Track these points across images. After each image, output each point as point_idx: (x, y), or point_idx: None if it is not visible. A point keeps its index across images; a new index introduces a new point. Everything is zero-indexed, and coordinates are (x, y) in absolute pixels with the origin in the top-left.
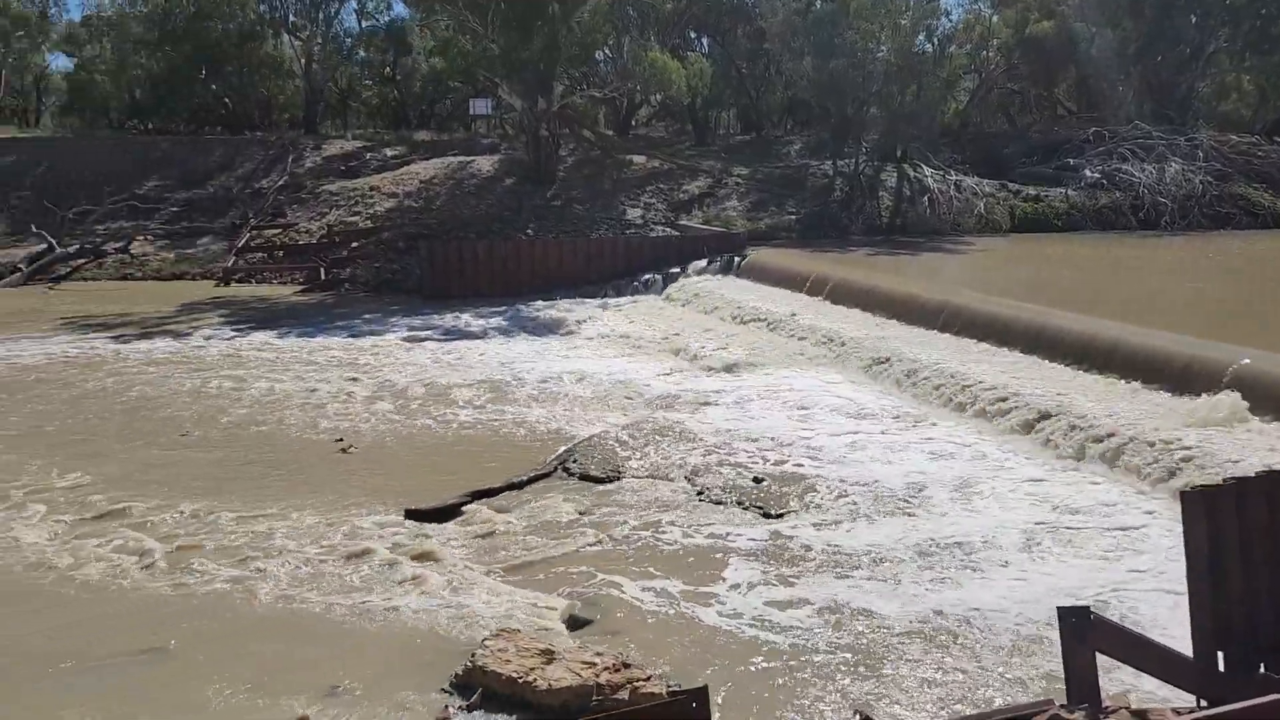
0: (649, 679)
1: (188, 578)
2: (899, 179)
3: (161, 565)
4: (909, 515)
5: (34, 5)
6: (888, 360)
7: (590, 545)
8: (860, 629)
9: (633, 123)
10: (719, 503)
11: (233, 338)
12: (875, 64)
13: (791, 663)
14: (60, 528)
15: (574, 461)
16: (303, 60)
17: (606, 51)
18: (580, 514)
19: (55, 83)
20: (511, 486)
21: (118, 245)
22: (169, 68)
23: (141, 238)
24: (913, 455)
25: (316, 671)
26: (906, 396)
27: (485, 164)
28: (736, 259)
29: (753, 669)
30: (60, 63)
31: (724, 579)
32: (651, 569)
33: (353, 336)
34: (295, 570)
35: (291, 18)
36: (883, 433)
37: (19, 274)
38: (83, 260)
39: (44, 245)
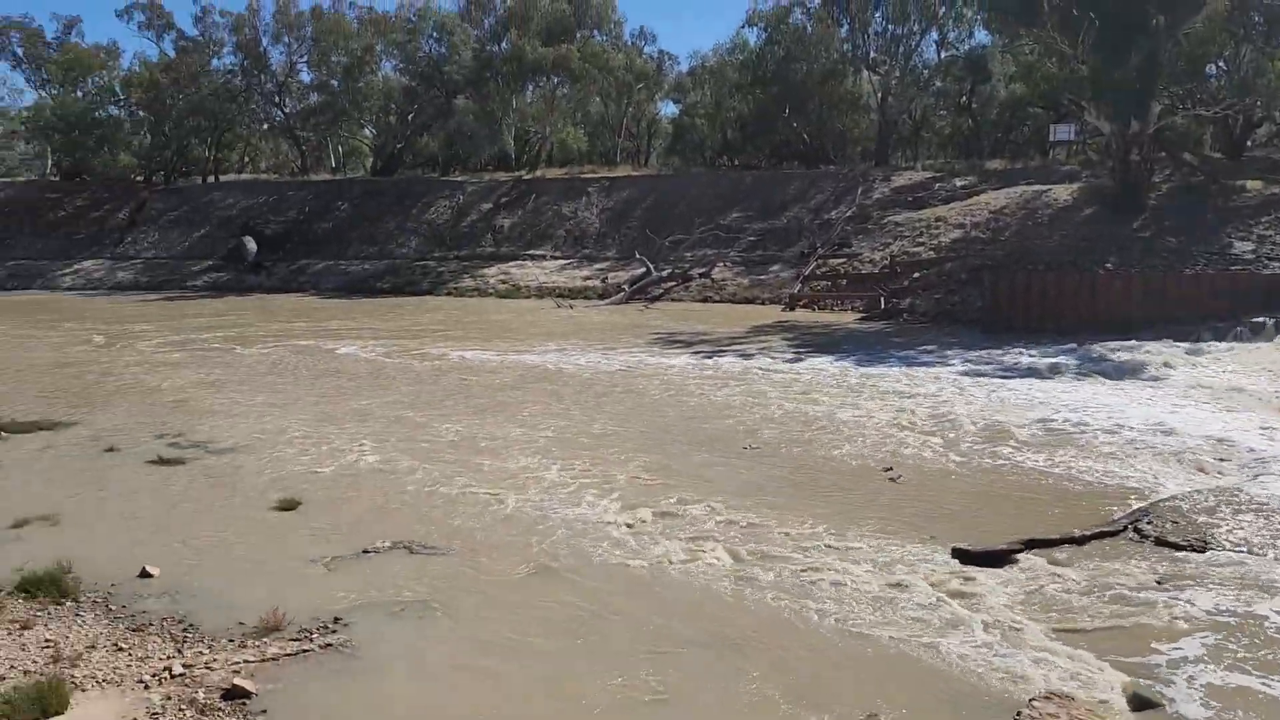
0: None
1: (746, 582)
2: None
3: (724, 568)
4: None
5: (652, 61)
6: None
7: (1165, 619)
8: None
9: (1247, 143)
10: None
11: (793, 360)
12: None
13: None
14: (633, 519)
15: (1149, 523)
16: (879, 94)
17: (1220, 64)
18: (1156, 582)
19: (662, 127)
20: (1071, 540)
21: (702, 270)
22: (757, 108)
23: (722, 264)
24: None
25: (854, 695)
26: None
27: (1062, 193)
28: None
29: None
30: (668, 109)
31: None
32: (1246, 662)
33: (908, 366)
34: (840, 591)
35: (872, 54)
36: None
37: (622, 293)
38: (673, 283)
39: (643, 269)
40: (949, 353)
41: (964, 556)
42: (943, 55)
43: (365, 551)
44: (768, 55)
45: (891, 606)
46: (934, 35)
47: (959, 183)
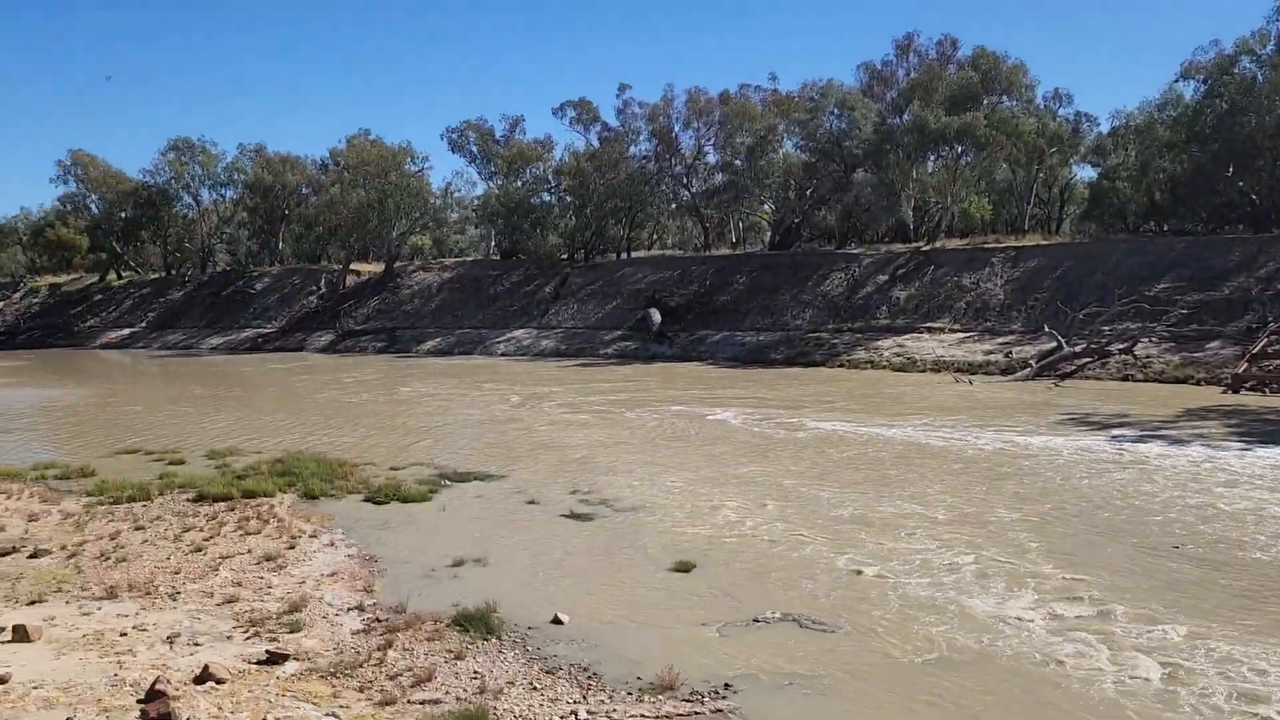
0: None
1: (1180, 706)
2: None
3: (1149, 684)
4: None
5: (1067, 123)
6: None
7: None
8: None
9: None
10: None
11: (1237, 450)
12: None
13: None
14: (1037, 614)
15: None
16: None
17: None
18: None
19: (1077, 191)
20: None
21: (1122, 346)
22: (1192, 168)
23: (1146, 339)
24: None
25: None
26: None
27: None
28: None
29: None
30: (1084, 173)
31: None
32: None
33: None
34: None
35: None
36: None
37: (1029, 369)
38: (1087, 359)
39: (1053, 344)
40: None
41: None
42: None
43: (755, 620)
44: (1207, 109)
45: None
46: None
47: None
